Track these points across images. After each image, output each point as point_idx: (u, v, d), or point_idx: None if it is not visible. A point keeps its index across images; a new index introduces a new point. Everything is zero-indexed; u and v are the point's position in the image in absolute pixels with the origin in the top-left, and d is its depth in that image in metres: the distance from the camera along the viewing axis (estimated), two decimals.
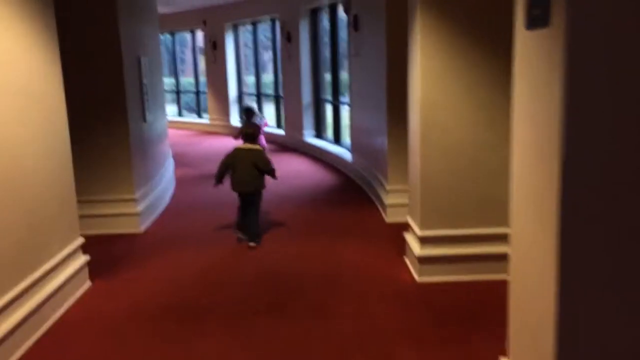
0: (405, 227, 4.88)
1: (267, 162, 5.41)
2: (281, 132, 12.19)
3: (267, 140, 8.32)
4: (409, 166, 4.86)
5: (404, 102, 5.00)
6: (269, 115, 13.20)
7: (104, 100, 5.66)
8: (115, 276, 4.75)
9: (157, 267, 5.00)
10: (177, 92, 16.56)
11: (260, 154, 5.46)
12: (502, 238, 3.44)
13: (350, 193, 7.55)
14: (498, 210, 4.23)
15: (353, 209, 6.69)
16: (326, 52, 10.54)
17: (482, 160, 4.31)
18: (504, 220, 3.62)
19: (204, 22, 14.50)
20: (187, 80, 17.01)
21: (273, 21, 12.37)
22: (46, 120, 3.99)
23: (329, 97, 10.53)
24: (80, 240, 4.45)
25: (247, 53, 14.54)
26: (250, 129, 5.67)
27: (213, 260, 5.12)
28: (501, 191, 3.99)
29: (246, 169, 5.36)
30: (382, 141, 6.30)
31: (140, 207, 5.93)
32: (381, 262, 4.91)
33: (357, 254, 5.15)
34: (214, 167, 5.71)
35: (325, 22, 10.64)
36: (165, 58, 17.25)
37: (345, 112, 9.85)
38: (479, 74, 4.21)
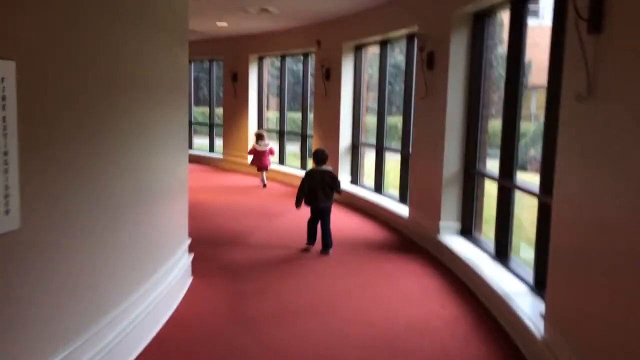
0: None
1: (337, 179, 6.48)
2: (403, 212, 7.59)
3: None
4: None
5: None
6: (390, 179, 8.84)
7: None
8: None
9: None
10: (281, 132, 12.74)
11: (332, 173, 6.47)
12: None
13: None
14: None
15: None
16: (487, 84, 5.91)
17: None
18: None
19: (318, 43, 10.56)
20: (293, 116, 13.19)
21: (410, 39, 7.97)
22: None
23: (493, 167, 5.82)
24: None
25: (371, 85, 10.27)
26: (320, 154, 6.52)
27: None
28: None
29: (320, 187, 6.35)
30: None
31: None
32: None
33: None
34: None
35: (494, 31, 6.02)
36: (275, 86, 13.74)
37: (526, 199, 5.08)
38: None
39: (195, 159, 14.37)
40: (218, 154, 14.59)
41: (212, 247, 6.37)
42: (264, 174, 11.09)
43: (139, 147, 3.87)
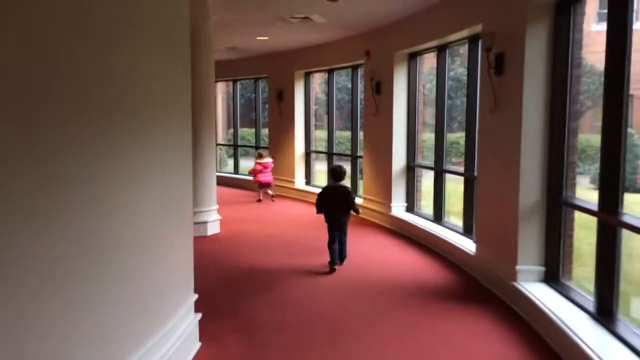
0: None
1: (352, 196, 6.32)
2: (468, 246, 6.31)
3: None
4: None
5: None
6: (452, 205, 7.62)
7: None
8: None
9: None
10: (329, 154, 11.69)
11: (347, 189, 6.33)
12: None
13: None
14: None
15: None
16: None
17: None
18: None
19: (367, 53, 9.49)
20: (347, 135, 12.10)
21: (472, 41, 6.76)
22: None
23: (587, 194, 4.50)
24: None
25: (428, 99, 9.07)
26: (337, 170, 6.42)
27: None
28: None
29: (336, 204, 6.24)
30: None
31: None
32: None
33: None
34: None
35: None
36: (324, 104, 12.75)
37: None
38: None
39: (238, 183, 13.58)
40: None
41: (234, 297, 5.30)
42: (269, 190, 11.53)
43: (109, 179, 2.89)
